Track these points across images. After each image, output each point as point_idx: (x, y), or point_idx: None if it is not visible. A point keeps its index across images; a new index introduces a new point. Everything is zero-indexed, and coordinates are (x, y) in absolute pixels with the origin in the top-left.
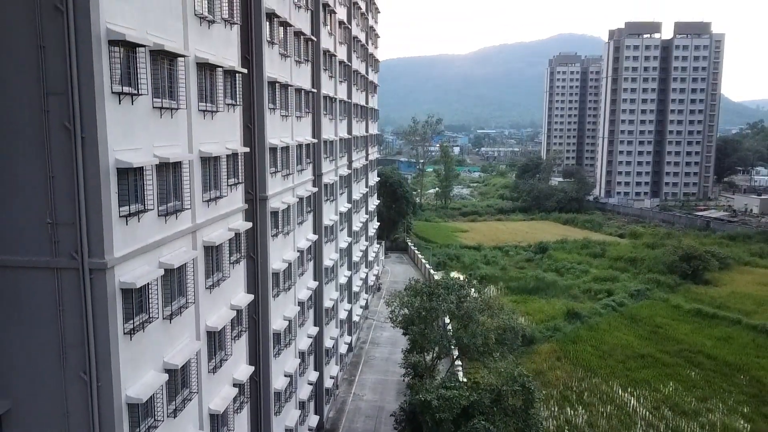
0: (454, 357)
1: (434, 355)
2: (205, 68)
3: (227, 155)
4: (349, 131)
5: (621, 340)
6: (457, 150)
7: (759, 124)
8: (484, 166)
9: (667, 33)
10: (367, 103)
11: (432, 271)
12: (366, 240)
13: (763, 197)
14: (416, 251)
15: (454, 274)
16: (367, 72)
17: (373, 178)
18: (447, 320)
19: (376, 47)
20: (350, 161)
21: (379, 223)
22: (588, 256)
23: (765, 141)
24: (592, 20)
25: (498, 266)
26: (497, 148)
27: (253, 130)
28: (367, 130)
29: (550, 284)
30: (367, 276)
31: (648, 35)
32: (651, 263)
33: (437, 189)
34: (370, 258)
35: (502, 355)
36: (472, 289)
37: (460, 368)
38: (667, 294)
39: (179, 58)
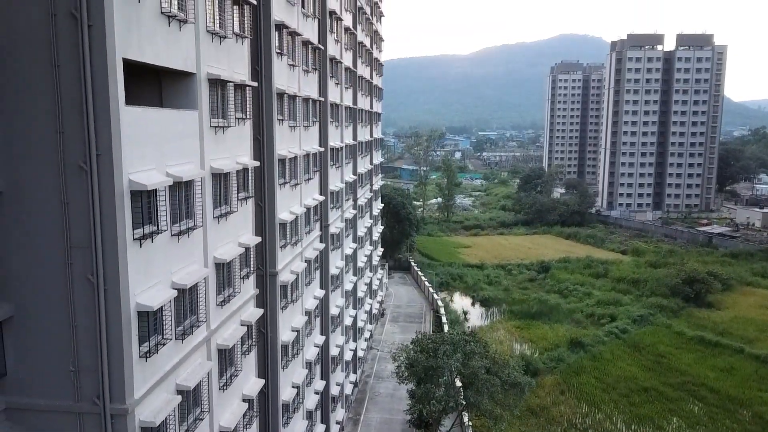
0: (460, 410)
1: (440, 408)
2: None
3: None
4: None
5: (624, 371)
6: (458, 155)
7: (761, 130)
8: (486, 174)
9: (669, 42)
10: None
11: (435, 296)
12: (369, 260)
13: (765, 210)
14: (419, 272)
15: (457, 297)
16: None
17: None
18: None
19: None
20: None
21: (383, 249)
22: (590, 277)
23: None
24: (593, 21)
25: (501, 287)
26: (499, 153)
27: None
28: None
29: (553, 308)
30: (371, 307)
31: (650, 47)
32: (654, 285)
33: (440, 199)
34: (374, 286)
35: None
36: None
37: (466, 421)
38: (670, 319)
39: None
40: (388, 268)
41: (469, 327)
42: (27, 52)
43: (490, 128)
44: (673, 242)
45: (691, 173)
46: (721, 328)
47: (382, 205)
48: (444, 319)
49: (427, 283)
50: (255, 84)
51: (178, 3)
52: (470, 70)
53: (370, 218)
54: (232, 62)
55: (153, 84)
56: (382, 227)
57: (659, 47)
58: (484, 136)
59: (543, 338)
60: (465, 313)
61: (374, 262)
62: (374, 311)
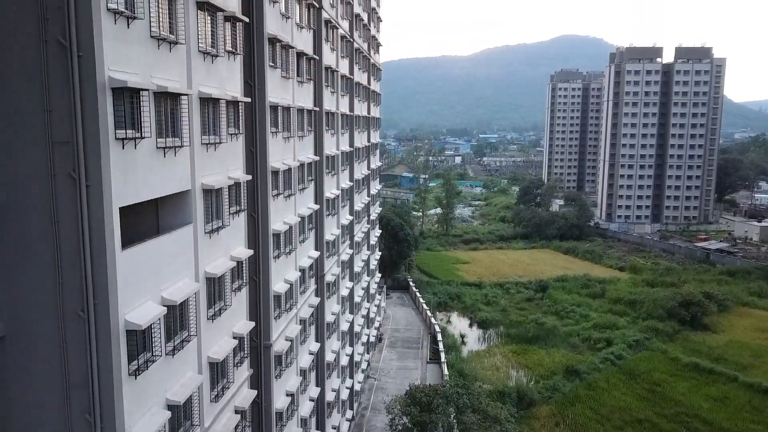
0: None
1: None
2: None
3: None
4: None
5: (619, 401)
6: (458, 159)
7: (761, 137)
8: (486, 182)
9: (668, 52)
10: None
11: (433, 320)
12: (367, 290)
13: (762, 224)
14: (417, 292)
15: (455, 318)
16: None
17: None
18: None
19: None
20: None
21: (380, 275)
22: (588, 297)
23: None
24: (594, 22)
25: (498, 307)
26: (499, 158)
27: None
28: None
29: (550, 331)
30: (368, 338)
31: (649, 60)
32: (650, 307)
33: (439, 210)
34: (371, 315)
35: None
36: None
37: None
38: (666, 343)
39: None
40: (387, 287)
41: (467, 351)
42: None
43: (491, 130)
44: (671, 257)
45: (689, 185)
46: (716, 354)
47: (381, 231)
48: (441, 346)
49: (424, 305)
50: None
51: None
52: (471, 71)
53: (370, 236)
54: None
55: None
56: (380, 252)
57: (658, 59)
58: (484, 139)
59: (539, 364)
60: (462, 336)
61: (372, 291)
62: (371, 339)
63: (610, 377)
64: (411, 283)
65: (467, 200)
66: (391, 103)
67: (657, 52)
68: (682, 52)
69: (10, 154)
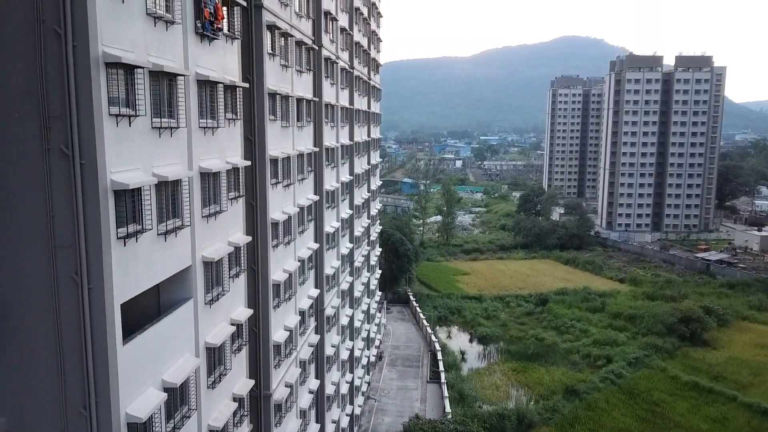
0: None
1: None
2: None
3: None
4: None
5: (619, 423)
6: (459, 164)
7: (761, 142)
8: (486, 188)
9: (669, 57)
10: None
11: (433, 337)
12: (367, 313)
13: (763, 234)
14: (417, 307)
15: (455, 333)
16: (369, 77)
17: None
18: None
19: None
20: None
21: (381, 291)
22: (587, 311)
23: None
24: (595, 23)
25: (498, 321)
26: (499, 162)
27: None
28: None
29: (550, 348)
30: (368, 360)
31: (649, 68)
32: (650, 322)
33: (440, 217)
34: (372, 335)
35: None
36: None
37: None
38: (665, 361)
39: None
40: (387, 301)
41: (467, 369)
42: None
43: (491, 132)
44: (671, 268)
45: (690, 194)
46: (716, 371)
47: (381, 249)
48: (441, 366)
49: (424, 320)
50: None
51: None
52: (472, 73)
53: (368, 242)
54: (223, 63)
55: None
56: (381, 269)
57: (658, 68)
58: (485, 142)
59: (539, 383)
60: (463, 353)
61: (372, 311)
62: (371, 359)
63: (609, 397)
64: (411, 297)
65: (468, 207)
66: (392, 104)
67: (657, 60)
68: (682, 61)
69: (13, 258)
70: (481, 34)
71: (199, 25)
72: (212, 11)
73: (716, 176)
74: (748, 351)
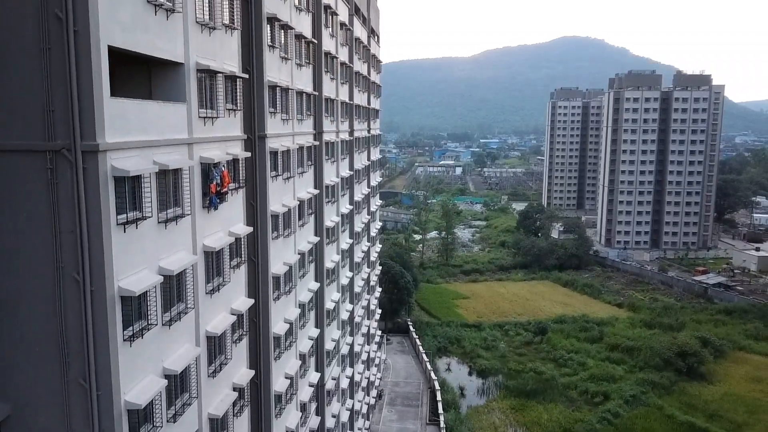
0: None
1: None
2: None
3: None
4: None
5: None
6: (459, 171)
7: (761, 152)
8: (486, 200)
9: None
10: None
11: (433, 375)
12: (368, 359)
13: (761, 254)
14: (416, 338)
15: (455, 365)
16: (369, 73)
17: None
18: None
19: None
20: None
21: (381, 333)
22: (586, 342)
23: (766, 173)
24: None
25: (497, 353)
26: (500, 169)
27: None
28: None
29: (548, 383)
30: (368, 404)
31: (648, 87)
32: (647, 355)
33: (442, 233)
34: (372, 378)
35: None
36: None
37: None
38: (662, 398)
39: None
40: (387, 330)
41: (466, 406)
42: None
43: (491, 133)
44: (669, 290)
45: (688, 211)
46: (712, 409)
47: (382, 275)
48: (440, 408)
49: (424, 354)
50: (246, 76)
51: None
52: (472, 73)
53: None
54: (223, 53)
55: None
56: (381, 295)
57: (657, 87)
58: (485, 145)
59: (537, 422)
60: (462, 389)
61: (371, 357)
62: (371, 401)
63: None
64: (411, 327)
65: (467, 220)
66: (393, 106)
67: (656, 79)
68: (681, 80)
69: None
70: (481, 34)
71: (207, 201)
72: (219, 182)
73: (714, 193)
74: (744, 386)
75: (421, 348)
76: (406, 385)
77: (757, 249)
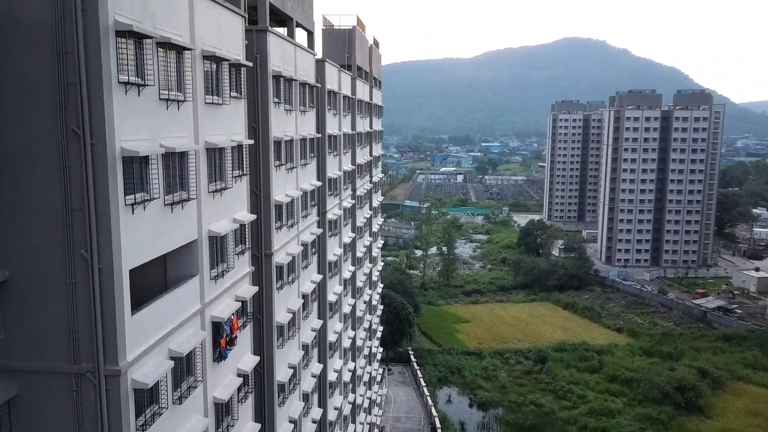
0: None
1: None
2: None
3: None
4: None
5: None
6: (460, 178)
7: (761, 162)
8: (488, 214)
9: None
10: (371, 99)
11: (433, 411)
12: (370, 401)
13: (760, 275)
14: (417, 369)
15: (455, 396)
16: (371, 97)
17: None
18: None
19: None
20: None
21: (382, 348)
22: (585, 372)
23: (767, 185)
24: (596, 24)
25: (497, 383)
26: (501, 177)
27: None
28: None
29: (548, 417)
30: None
31: (648, 107)
32: (646, 388)
33: (443, 248)
34: (374, 419)
35: None
36: None
37: None
38: None
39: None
40: (389, 359)
41: None
42: None
43: (493, 135)
44: (669, 313)
45: (688, 229)
46: None
47: (384, 306)
48: None
49: (425, 390)
50: (250, 64)
51: None
52: (474, 75)
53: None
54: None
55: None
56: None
57: (657, 107)
58: (486, 149)
59: None
60: (462, 424)
61: (373, 395)
62: None
63: None
64: (412, 357)
65: (468, 234)
66: (394, 107)
67: (656, 99)
68: (681, 99)
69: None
70: (482, 35)
71: (217, 353)
72: (228, 333)
73: (714, 209)
74: (742, 420)
75: (422, 381)
76: (407, 421)
77: (757, 269)
